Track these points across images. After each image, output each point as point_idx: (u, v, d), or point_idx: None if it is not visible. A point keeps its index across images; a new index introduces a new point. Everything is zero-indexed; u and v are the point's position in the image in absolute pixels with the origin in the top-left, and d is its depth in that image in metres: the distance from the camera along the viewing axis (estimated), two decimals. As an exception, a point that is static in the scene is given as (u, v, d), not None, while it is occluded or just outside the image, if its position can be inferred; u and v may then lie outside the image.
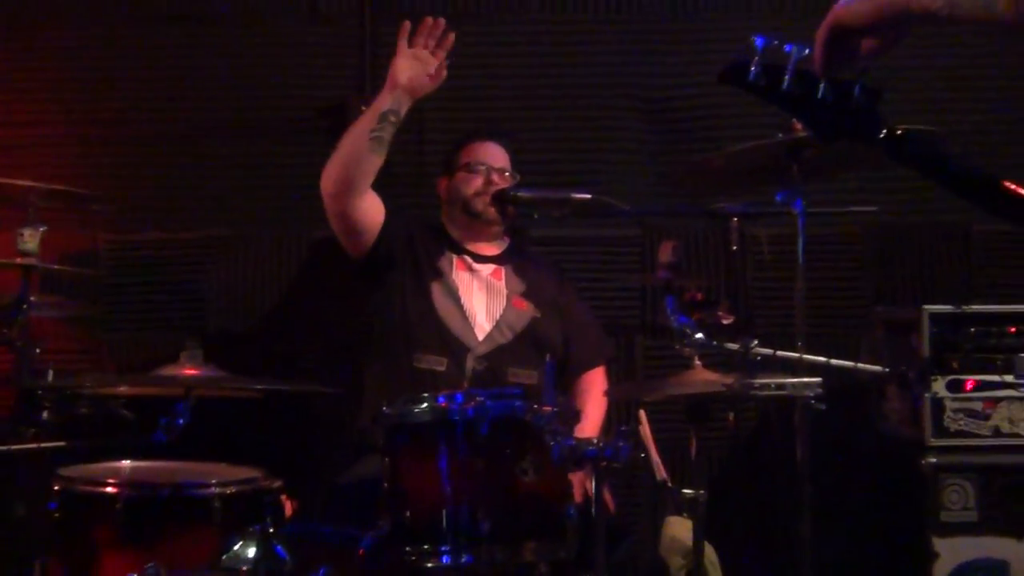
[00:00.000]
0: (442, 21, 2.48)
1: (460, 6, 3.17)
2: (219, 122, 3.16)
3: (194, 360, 2.06)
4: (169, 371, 2.12)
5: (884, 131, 1.30)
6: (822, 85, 1.31)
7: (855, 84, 1.31)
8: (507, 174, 2.67)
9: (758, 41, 1.32)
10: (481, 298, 2.63)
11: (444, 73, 2.51)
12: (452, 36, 2.43)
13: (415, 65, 2.49)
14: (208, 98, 3.16)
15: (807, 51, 1.33)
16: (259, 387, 2.31)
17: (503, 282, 2.67)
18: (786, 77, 1.31)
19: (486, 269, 2.68)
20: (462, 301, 2.60)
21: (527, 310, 2.63)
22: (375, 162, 2.46)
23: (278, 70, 3.16)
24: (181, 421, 1.99)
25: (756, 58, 1.31)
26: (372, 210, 2.56)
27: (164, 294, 3.11)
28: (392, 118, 2.44)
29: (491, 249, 2.73)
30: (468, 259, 2.68)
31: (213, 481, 2.06)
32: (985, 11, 1.21)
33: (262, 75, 3.16)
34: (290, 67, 3.17)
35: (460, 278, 2.64)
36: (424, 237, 2.68)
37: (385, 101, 2.47)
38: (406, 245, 2.63)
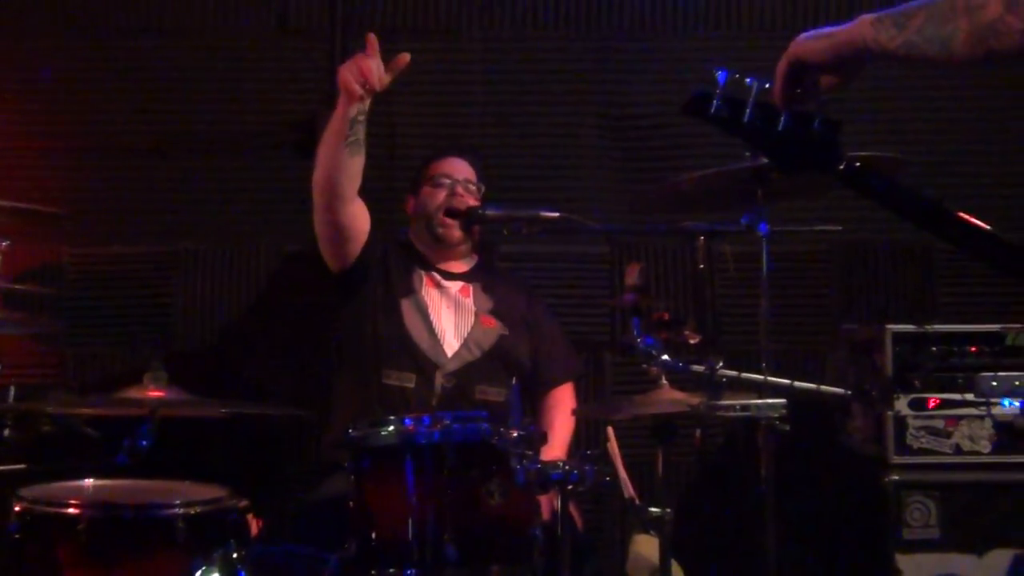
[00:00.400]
0: (374, 40, 2.34)
1: (431, 22, 3.18)
2: (187, 135, 3.14)
3: (158, 381, 2.04)
4: (133, 393, 2.10)
5: (843, 163, 1.33)
6: (782, 118, 1.33)
7: (815, 117, 1.34)
8: (472, 186, 2.68)
9: (720, 74, 1.34)
10: (450, 315, 2.63)
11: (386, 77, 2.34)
12: (407, 57, 2.37)
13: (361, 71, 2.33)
14: (176, 111, 3.14)
15: (768, 84, 1.35)
16: (224, 411, 2.29)
17: (471, 299, 2.68)
18: (747, 110, 1.33)
19: (455, 286, 2.69)
20: (431, 318, 2.60)
21: (495, 328, 2.64)
22: (357, 163, 2.44)
23: (247, 83, 3.15)
24: (144, 443, 1.97)
25: (718, 91, 1.33)
26: (361, 217, 2.56)
27: (129, 309, 3.08)
28: (360, 118, 2.38)
29: (460, 266, 2.74)
30: (437, 276, 2.68)
31: (177, 501, 2.04)
32: (940, 50, 1.24)
33: (231, 88, 3.15)
34: (259, 80, 3.16)
35: (429, 295, 2.64)
36: (396, 253, 2.69)
37: (350, 107, 2.36)
38: (381, 259, 2.64)
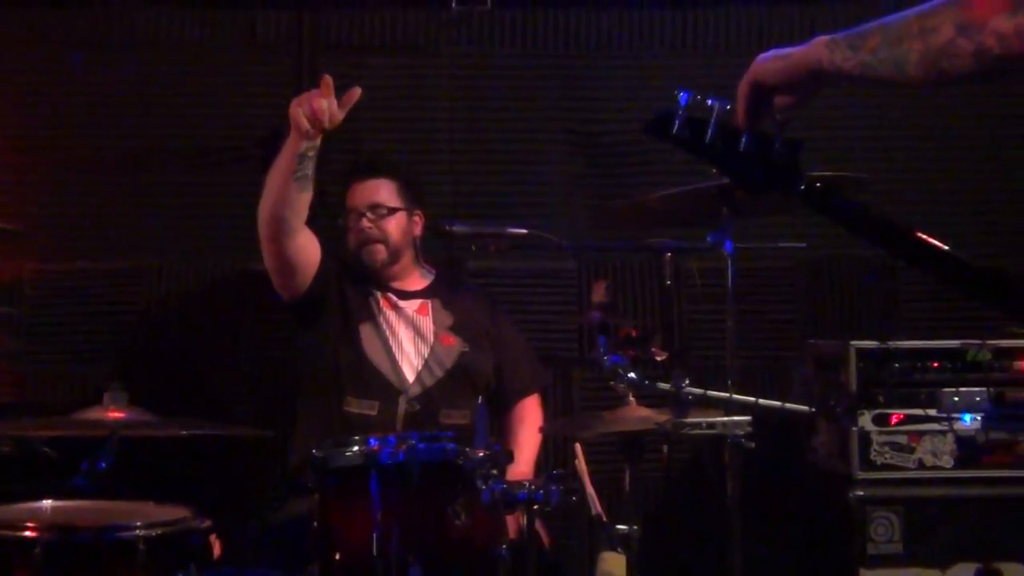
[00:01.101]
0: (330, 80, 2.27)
1: (398, 39, 3.18)
2: (153, 150, 3.11)
3: (118, 402, 2.01)
4: (93, 414, 2.06)
5: (804, 183, 1.34)
6: (744, 138, 1.34)
7: (775, 137, 1.35)
8: (381, 210, 2.60)
9: (682, 96, 1.35)
10: (409, 337, 2.60)
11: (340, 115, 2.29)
12: (358, 91, 2.30)
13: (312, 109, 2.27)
14: (142, 126, 3.11)
15: (729, 105, 1.36)
16: (185, 432, 2.26)
17: (429, 317, 2.65)
18: (709, 130, 1.34)
19: (412, 305, 2.65)
20: (390, 342, 2.57)
21: (455, 345, 2.62)
22: (305, 199, 2.40)
23: (214, 98, 3.13)
24: (103, 464, 1.93)
25: (680, 111, 1.33)
26: (308, 248, 2.51)
27: (92, 326, 3.03)
28: (310, 153, 2.34)
29: (416, 284, 2.70)
30: (393, 297, 2.64)
31: (138, 523, 2.00)
32: (895, 72, 1.25)
33: (198, 103, 3.13)
34: (226, 96, 3.14)
35: (387, 318, 2.61)
36: (351, 277, 2.64)
37: (299, 143, 2.31)
38: (336, 286, 2.60)
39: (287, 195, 2.36)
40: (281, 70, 3.15)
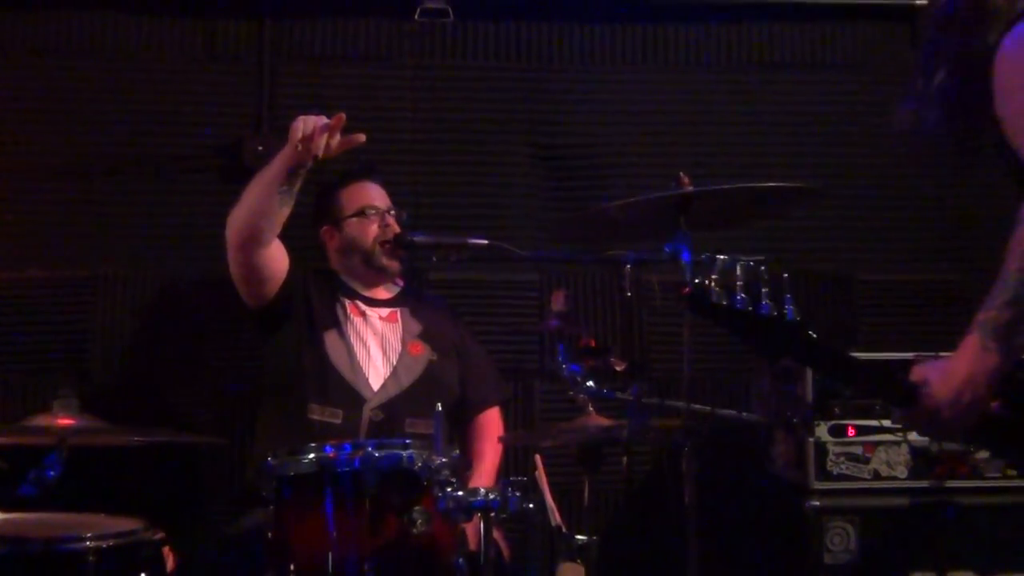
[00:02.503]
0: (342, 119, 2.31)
1: (360, 49, 3.18)
2: (110, 157, 3.08)
3: (68, 408, 1.98)
4: (42, 420, 2.02)
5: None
6: (764, 301, 1.40)
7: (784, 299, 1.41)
8: (393, 212, 2.66)
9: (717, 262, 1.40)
10: (376, 345, 2.59)
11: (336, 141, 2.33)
12: (362, 137, 2.34)
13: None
14: (100, 133, 3.08)
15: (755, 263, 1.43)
16: (138, 439, 2.23)
17: (399, 324, 2.65)
18: (737, 296, 1.38)
19: (381, 313, 2.66)
20: (356, 350, 2.56)
21: (424, 354, 2.62)
22: (285, 212, 2.40)
23: (173, 106, 3.10)
24: (51, 473, 1.90)
25: (711, 281, 1.38)
26: (278, 258, 2.50)
27: (44, 335, 2.98)
28: (302, 171, 2.36)
29: (385, 293, 2.71)
30: (362, 305, 2.64)
31: (88, 535, 1.97)
32: None
33: (157, 111, 3.10)
34: (186, 104, 3.11)
35: (354, 325, 2.60)
36: (317, 284, 2.63)
37: (292, 158, 2.32)
38: (302, 294, 2.58)
39: (269, 207, 2.36)
40: (242, 79, 3.13)
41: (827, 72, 3.26)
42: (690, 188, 2.18)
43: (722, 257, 1.58)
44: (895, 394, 1.54)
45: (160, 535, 2.04)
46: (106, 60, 3.09)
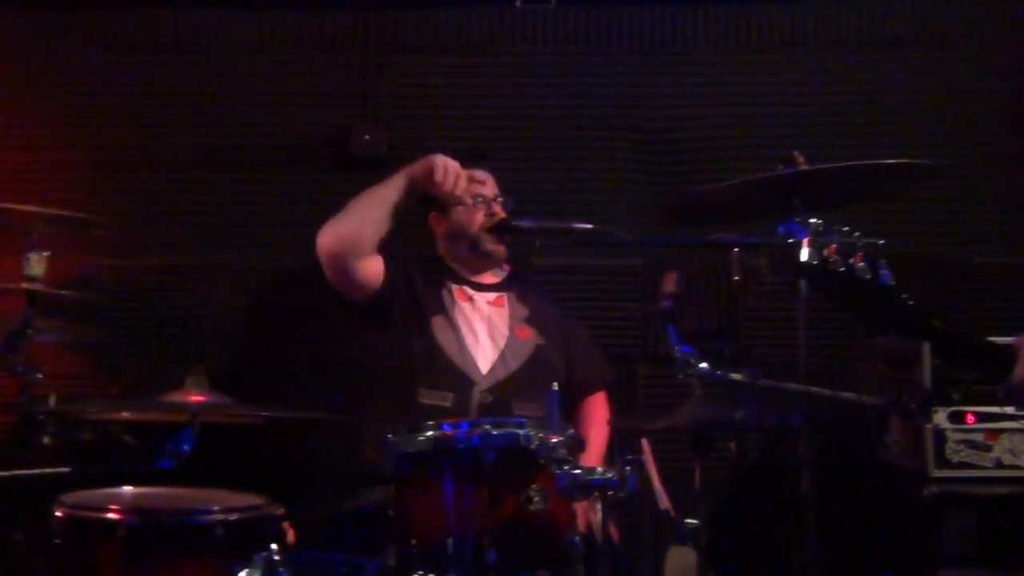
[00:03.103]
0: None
1: (461, 39, 3.21)
2: (224, 149, 3.18)
3: (199, 386, 2.06)
4: (174, 397, 2.11)
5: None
6: (883, 272, 1.37)
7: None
8: (500, 200, 2.67)
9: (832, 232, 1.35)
10: (483, 329, 2.61)
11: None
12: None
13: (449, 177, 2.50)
14: (213, 125, 3.19)
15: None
16: (265, 414, 2.30)
17: (506, 309, 2.66)
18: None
19: (488, 298, 2.67)
20: (464, 334, 2.58)
21: (531, 338, 2.63)
22: (386, 229, 2.49)
23: (283, 98, 3.19)
24: (186, 447, 1.98)
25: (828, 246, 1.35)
26: (374, 266, 2.54)
27: (164, 320, 3.10)
28: (417, 193, 2.50)
29: (492, 277, 2.72)
30: (469, 290, 2.66)
31: (216, 508, 2.05)
32: None
33: (267, 103, 3.19)
34: (295, 96, 3.20)
35: (461, 310, 2.62)
36: (422, 273, 2.65)
37: (420, 183, 2.48)
38: (406, 287, 2.60)
39: (378, 221, 2.47)
40: (348, 70, 3.20)
41: (927, 50, 3.17)
42: (806, 167, 2.14)
43: (843, 228, 1.52)
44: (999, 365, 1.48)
45: (282, 510, 2.10)
46: (215, 54, 3.20)
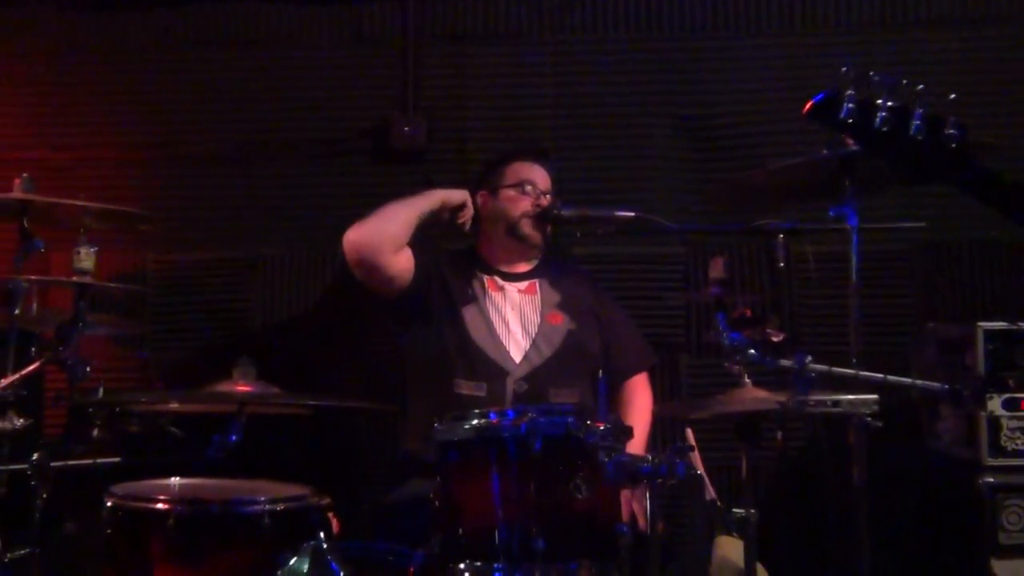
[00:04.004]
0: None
1: (501, 27, 3.20)
2: (264, 143, 3.21)
3: (247, 376, 2.07)
4: (222, 387, 2.13)
5: (974, 172, 1.24)
6: (915, 122, 1.25)
7: (949, 119, 1.25)
8: (549, 197, 2.66)
9: (848, 71, 1.25)
10: (515, 317, 2.59)
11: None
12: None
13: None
14: (253, 120, 3.21)
15: (896, 81, 1.27)
16: (312, 403, 2.31)
17: (537, 296, 2.64)
18: (879, 114, 1.24)
19: (519, 286, 2.65)
20: (496, 323, 2.57)
21: (563, 323, 2.60)
22: (411, 234, 2.54)
23: (323, 91, 3.21)
24: (234, 438, 1.99)
25: (848, 92, 1.24)
26: (402, 262, 2.55)
27: (208, 312, 3.14)
28: (443, 215, 2.60)
29: (524, 266, 2.70)
30: (499, 279, 2.65)
31: (263, 498, 2.06)
32: None
33: (307, 97, 3.21)
34: (334, 88, 3.21)
35: (492, 300, 2.61)
36: (453, 265, 2.65)
37: (454, 197, 2.61)
38: (437, 280, 2.60)
39: (408, 225, 2.53)
40: (388, 61, 3.20)
41: (972, 29, 3.09)
42: (855, 148, 2.09)
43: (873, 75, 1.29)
44: None
45: (327, 500, 2.11)
46: (259, 48, 3.22)
